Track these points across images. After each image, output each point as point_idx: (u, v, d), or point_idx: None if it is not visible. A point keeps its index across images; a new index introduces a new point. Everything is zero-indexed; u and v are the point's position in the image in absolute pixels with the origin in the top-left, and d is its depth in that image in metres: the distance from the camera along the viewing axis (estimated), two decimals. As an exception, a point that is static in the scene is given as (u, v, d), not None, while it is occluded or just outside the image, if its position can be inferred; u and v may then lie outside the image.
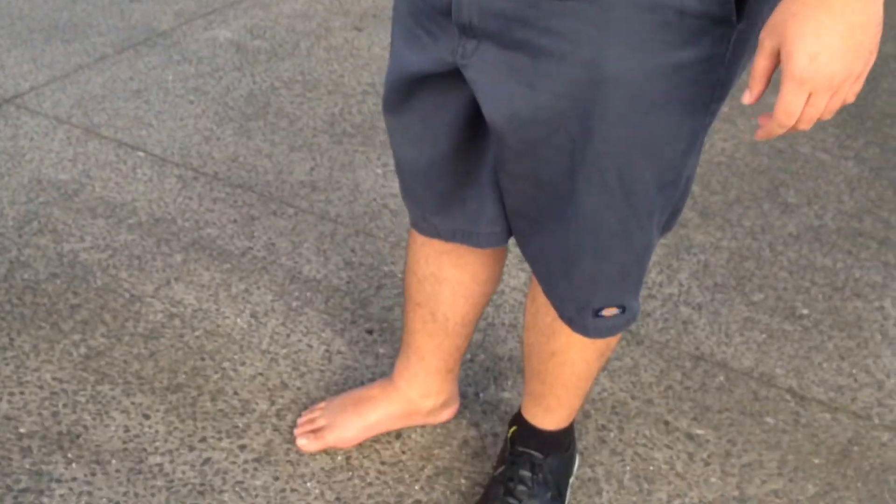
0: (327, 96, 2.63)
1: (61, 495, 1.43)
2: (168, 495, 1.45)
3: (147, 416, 1.57)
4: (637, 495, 1.52)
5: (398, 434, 1.58)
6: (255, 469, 1.50)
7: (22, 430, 1.53)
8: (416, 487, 1.50)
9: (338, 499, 1.47)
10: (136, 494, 1.44)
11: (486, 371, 1.73)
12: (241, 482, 1.48)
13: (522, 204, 1.15)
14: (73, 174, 2.18)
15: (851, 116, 2.76)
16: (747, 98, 0.92)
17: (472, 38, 1.01)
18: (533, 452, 1.41)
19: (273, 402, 1.62)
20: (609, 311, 1.19)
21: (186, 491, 1.46)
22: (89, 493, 1.44)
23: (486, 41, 1.00)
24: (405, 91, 1.15)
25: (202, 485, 1.47)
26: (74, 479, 1.46)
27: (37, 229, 1.99)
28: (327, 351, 1.74)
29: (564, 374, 1.32)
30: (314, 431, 1.54)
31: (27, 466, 1.47)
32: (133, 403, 1.59)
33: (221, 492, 1.46)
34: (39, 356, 1.67)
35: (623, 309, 1.20)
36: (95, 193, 2.12)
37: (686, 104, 0.99)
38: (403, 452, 1.55)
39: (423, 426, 1.59)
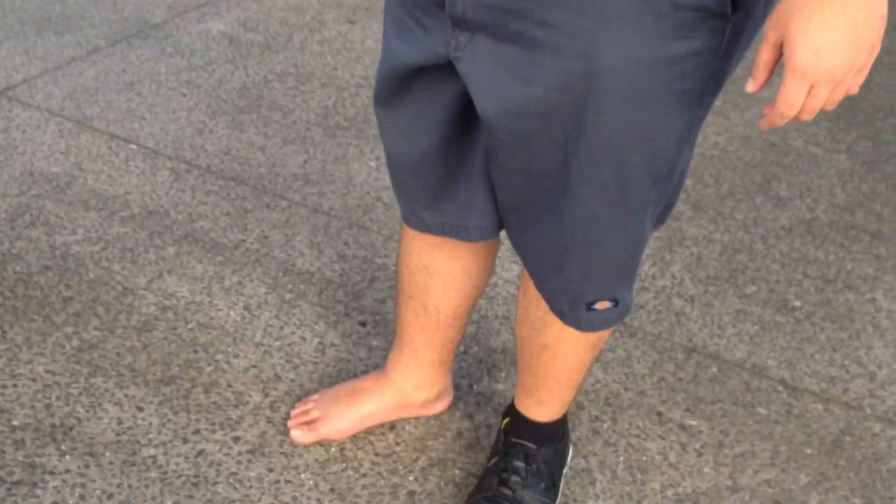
0: (321, 89, 2.62)
1: (55, 487, 1.43)
2: (162, 487, 1.45)
3: (140, 409, 1.57)
4: (630, 485, 1.52)
5: (392, 426, 1.58)
6: (249, 461, 1.50)
7: (15, 423, 1.53)
8: (411, 478, 1.50)
9: (332, 490, 1.47)
10: (129, 486, 1.44)
11: (479, 363, 1.74)
12: (235, 474, 1.48)
13: (514, 197, 1.14)
14: (65, 167, 2.18)
15: (843, 110, 2.77)
16: (751, 87, 0.93)
17: (466, 31, 1.01)
18: (526, 443, 1.42)
19: (267, 395, 1.62)
20: (602, 305, 1.20)
21: (180, 483, 1.46)
22: (83, 486, 1.44)
23: (479, 33, 1.00)
24: (397, 84, 1.14)
25: (196, 476, 1.47)
26: (68, 471, 1.46)
27: (29, 222, 1.99)
28: (321, 343, 1.74)
29: (556, 366, 1.32)
30: (308, 423, 1.54)
31: (20, 459, 1.47)
32: (126, 396, 1.59)
33: (215, 483, 1.46)
34: (32, 349, 1.67)
35: (616, 302, 1.20)
36: (88, 186, 2.12)
37: (680, 97, 0.99)
38: (397, 444, 1.56)
39: (416, 418, 1.60)
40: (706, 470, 1.56)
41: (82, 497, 1.42)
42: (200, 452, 1.51)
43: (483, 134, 1.14)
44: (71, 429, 1.53)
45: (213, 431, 1.54)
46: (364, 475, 1.50)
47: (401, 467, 1.52)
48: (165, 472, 1.47)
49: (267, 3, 3.11)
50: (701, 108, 1.03)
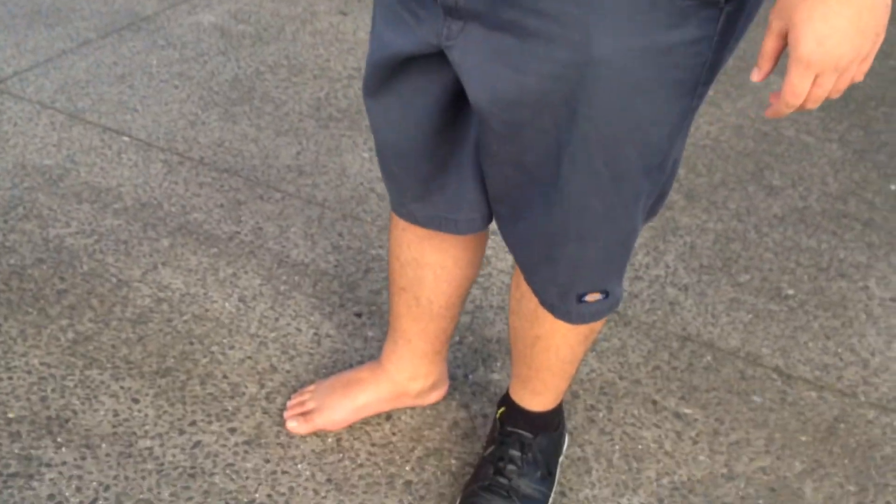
0: (313, 81, 2.62)
1: (51, 479, 1.43)
2: (158, 478, 1.45)
3: (136, 401, 1.58)
4: (626, 474, 1.53)
5: (388, 416, 1.58)
6: (246, 452, 1.50)
7: (10, 415, 1.53)
8: (407, 468, 1.51)
9: (329, 480, 1.47)
10: (126, 478, 1.44)
11: (474, 353, 1.74)
12: (232, 464, 1.48)
13: (506, 189, 1.14)
14: (57, 159, 2.17)
15: (835, 100, 2.77)
16: (755, 76, 0.93)
17: (458, 20, 1.01)
18: (522, 432, 1.42)
19: (262, 386, 1.62)
20: (592, 297, 1.19)
21: (177, 474, 1.46)
22: (79, 477, 1.44)
23: (472, 22, 1.00)
24: (387, 74, 1.13)
25: (192, 468, 1.47)
26: (64, 463, 1.46)
27: (22, 214, 1.98)
28: (316, 334, 1.75)
29: (549, 358, 1.32)
30: (304, 414, 1.54)
31: (16, 451, 1.47)
32: (122, 388, 1.59)
33: (212, 474, 1.46)
34: (27, 341, 1.67)
35: (606, 294, 1.20)
36: (80, 178, 2.11)
37: (674, 86, 0.99)
38: (393, 434, 1.56)
39: (412, 408, 1.60)
40: (701, 458, 1.57)
41: (79, 489, 1.42)
42: (197, 444, 1.51)
43: (473, 125, 1.14)
44: (67, 421, 1.53)
45: (210, 423, 1.55)
46: (360, 465, 1.50)
47: (397, 457, 1.52)
48: (162, 464, 1.47)
49: (258, -5, 3.11)
50: (694, 98, 1.02)
